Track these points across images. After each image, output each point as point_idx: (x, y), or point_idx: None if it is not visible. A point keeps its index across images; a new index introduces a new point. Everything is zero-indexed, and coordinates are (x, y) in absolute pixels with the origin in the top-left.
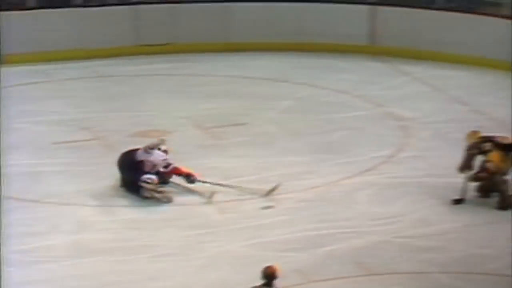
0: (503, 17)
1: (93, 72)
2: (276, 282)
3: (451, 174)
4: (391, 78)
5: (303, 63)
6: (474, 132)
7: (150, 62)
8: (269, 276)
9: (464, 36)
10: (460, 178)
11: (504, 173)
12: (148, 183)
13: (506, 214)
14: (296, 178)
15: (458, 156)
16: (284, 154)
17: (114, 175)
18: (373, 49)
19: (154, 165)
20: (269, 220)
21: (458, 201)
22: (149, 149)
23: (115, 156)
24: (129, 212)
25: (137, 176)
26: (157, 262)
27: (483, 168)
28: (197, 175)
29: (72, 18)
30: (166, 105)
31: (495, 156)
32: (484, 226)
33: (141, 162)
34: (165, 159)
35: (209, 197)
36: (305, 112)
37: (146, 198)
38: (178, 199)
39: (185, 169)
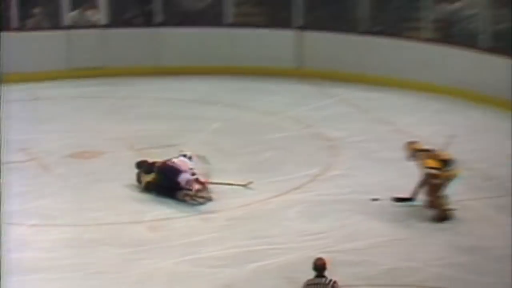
0: (423, 40)
1: (29, 94)
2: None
3: (376, 191)
4: (318, 100)
5: (232, 86)
6: (412, 143)
7: (83, 85)
8: (320, 267)
9: (387, 59)
10: (383, 195)
11: (441, 187)
12: (188, 189)
13: (429, 228)
14: (227, 196)
15: (382, 174)
16: (215, 174)
17: (51, 194)
18: (300, 72)
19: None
20: (201, 237)
21: (400, 200)
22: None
23: (50, 177)
24: (65, 231)
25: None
26: (92, 280)
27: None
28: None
29: (8, 41)
30: (99, 127)
31: (431, 163)
32: (409, 240)
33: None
34: (191, 168)
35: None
36: (235, 133)
37: (184, 201)
38: (112, 218)
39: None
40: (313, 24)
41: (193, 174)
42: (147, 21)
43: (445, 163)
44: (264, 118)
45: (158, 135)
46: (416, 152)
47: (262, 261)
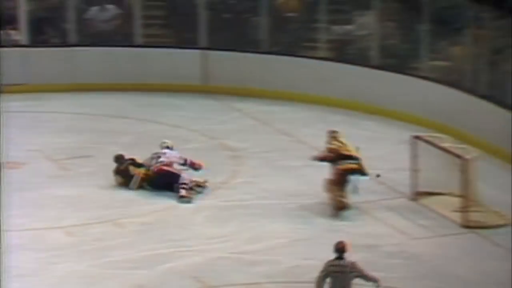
0: (319, 58)
1: None
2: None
3: (279, 196)
4: (223, 114)
5: (142, 102)
6: (333, 131)
7: (6, 101)
8: (340, 250)
9: (287, 76)
10: (285, 200)
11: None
12: (184, 187)
13: (328, 229)
14: (138, 203)
15: (283, 181)
16: None
17: None
18: (206, 89)
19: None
20: (114, 242)
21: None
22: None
23: None
24: None
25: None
26: (12, 283)
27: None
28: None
29: None
30: (20, 139)
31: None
32: (309, 240)
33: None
34: (180, 156)
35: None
36: (144, 145)
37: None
38: (32, 224)
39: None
40: (217, 44)
41: (185, 160)
42: (63, 41)
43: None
44: (172, 131)
45: (75, 147)
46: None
47: (171, 263)
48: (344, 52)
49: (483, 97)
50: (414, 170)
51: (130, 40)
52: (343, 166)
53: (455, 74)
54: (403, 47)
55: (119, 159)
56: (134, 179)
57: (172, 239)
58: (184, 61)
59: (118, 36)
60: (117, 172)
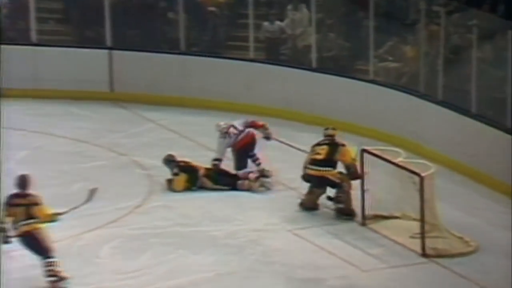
0: (247, 60)
1: None
2: None
3: (201, 222)
4: (134, 126)
5: (38, 111)
6: (334, 129)
7: None
8: None
9: (209, 80)
10: (209, 226)
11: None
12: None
13: (259, 260)
14: None
15: (209, 205)
16: None
17: None
18: (113, 95)
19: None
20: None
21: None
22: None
23: None
24: None
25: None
26: None
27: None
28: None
29: None
30: None
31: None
32: (237, 274)
33: None
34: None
35: None
36: (42, 162)
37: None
38: None
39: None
40: (126, 43)
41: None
42: None
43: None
44: (74, 145)
45: None
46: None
47: None
48: (276, 52)
49: (440, 103)
50: (363, 190)
51: (24, 36)
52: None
53: (407, 77)
54: (346, 46)
55: (170, 161)
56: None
57: (72, 275)
58: (87, 62)
59: (10, 32)
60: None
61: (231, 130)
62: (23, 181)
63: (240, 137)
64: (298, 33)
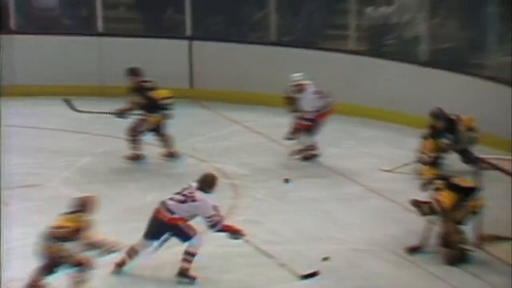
0: (346, 52)
1: None
2: None
3: (295, 240)
4: (216, 128)
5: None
6: (431, 167)
7: None
8: None
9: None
10: (304, 245)
11: (458, 221)
12: None
13: None
14: None
15: (303, 220)
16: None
17: None
18: (193, 93)
19: None
20: None
21: (413, 250)
22: None
23: None
24: None
25: None
26: None
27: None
28: None
29: None
30: None
31: (446, 196)
32: None
33: None
34: None
35: None
36: (109, 170)
37: None
38: None
39: None
40: (206, 32)
41: None
42: None
43: (466, 191)
44: (148, 151)
45: None
46: (432, 180)
47: None
48: (381, 44)
49: None
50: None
51: (88, 25)
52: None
53: None
54: (464, 36)
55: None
56: None
57: None
58: (162, 55)
59: (71, 20)
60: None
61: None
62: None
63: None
64: (406, 21)
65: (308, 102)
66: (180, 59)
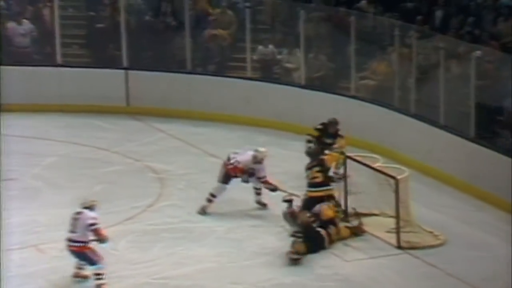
0: (245, 78)
1: None
2: None
3: (205, 219)
4: (147, 135)
5: (64, 123)
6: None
7: None
8: None
9: (212, 96)
10: (212, 223)
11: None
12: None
13: (257, 252)
14: (60, 228)
15: (210, 204)
16: (48, 206)
17: None
18: (129, 109)
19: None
20: (35, 268)
21: None
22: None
23: None
24: None
25: None
26: None
27: None
28: None
29: None
30: None
31: None
32: (237, 263)
33: None
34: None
35: None
36: (67, 167)
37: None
38: None
39: None
40: (139, 64)
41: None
42: None
43: None
44: (95, 153)
45: None
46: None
47: None
48: (270, 71)
49: (413, 115)
50: (346, 191)
51: (51, 59)
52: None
53: (383, 93)
54: (330, 66)
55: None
56: None
57: None
58: (106, 81)
59: (38, 55)
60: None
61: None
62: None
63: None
64: (287, 55)
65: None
66: (119, 84)
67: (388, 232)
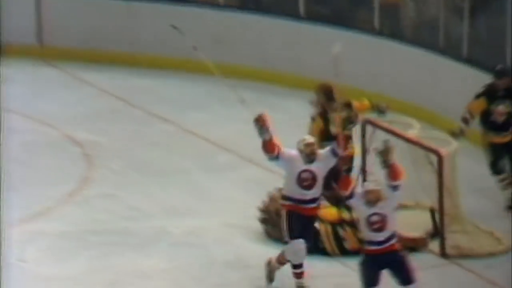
0: (217, 6)
1: None
2: None
3: (157, 216)
4: (68, 91)
5: None
6: None
7: None
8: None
9: (165, 32)
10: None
11: None
12: None
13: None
14: None
15: (166, 194)
16: None
17: None
18: (41, 51)
19: None
20: None
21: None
22: None
23: None
24: None
25: None
26: None
27: None
28: None
29: None
30: None
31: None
32: (201, 281)
33: None
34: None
35: None
36: None
37: None
38: None
39: None
40: None
41: None
42: None
43: None
44: None
45: None
46: None
47: None
48: None
49: (465, 60)
50: (365, 171)
51: None
52: None
53: (422, 29)
54: None
55: None
56: None
57: None
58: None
59: None
60: None
61: None
62: None
63: None
64: None
65: None
66: (27, 12)
67: (427, 234)
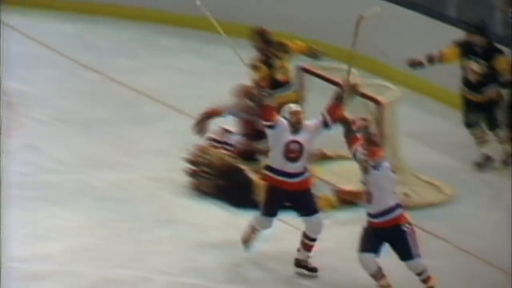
0: None
1: None
2: None
3: (81, 169)
4: None
5: None
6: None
7: None
8: None
9: None
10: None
11: None
12: None
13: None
14: None
15: (91, 145)
16: None
17: None
18: None
19: None
20: None
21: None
22: None
23: None
24: None
25: None
26: None
27: None
28: None
29: None
30: None
31: None
32: (129, 239)
33: None
34: None
35: None
36: None
37: None
38: None
39: None
40: None
41: None
42: None
43: None
44: None
45: None
46: None
47: None
48: None
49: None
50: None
51: None
52: None
53: None
54: None
55: None
56: None
57: None
58: None
59: None
60: None
61: None
62: None
63: None
64: None
65: None
66: None
67: None
